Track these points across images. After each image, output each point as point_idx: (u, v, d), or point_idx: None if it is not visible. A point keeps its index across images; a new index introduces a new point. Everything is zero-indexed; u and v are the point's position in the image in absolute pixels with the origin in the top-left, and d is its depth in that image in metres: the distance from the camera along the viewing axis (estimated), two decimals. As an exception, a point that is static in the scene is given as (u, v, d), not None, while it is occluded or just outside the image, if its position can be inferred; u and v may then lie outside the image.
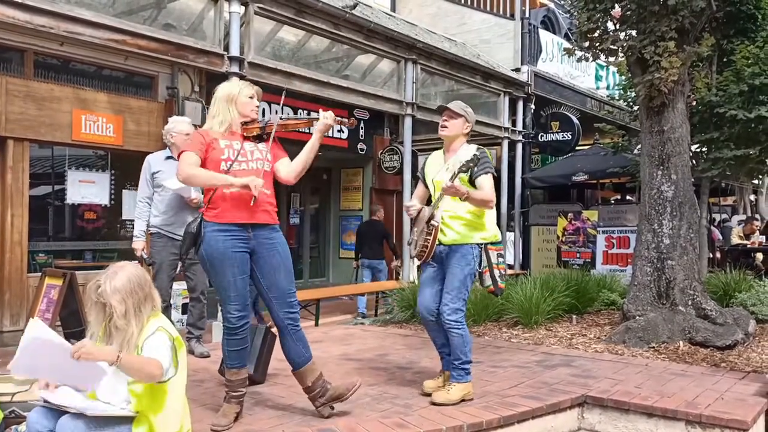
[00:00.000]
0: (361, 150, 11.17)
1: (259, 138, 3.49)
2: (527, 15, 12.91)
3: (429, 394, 3.92)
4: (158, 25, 7.12)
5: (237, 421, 3.42)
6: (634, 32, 6.28)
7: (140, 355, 2.63)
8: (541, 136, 12.91)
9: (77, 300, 5.65)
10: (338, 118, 3.59)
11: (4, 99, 6.26)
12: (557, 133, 12.74)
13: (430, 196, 4.10)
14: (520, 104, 12.66)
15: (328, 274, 12.19)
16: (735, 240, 12.49)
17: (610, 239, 10.21)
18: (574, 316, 6.93)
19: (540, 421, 3.81)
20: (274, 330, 3.78)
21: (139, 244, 4.96)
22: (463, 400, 3.82)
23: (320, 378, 3.51)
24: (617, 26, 6.47)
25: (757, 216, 14.63)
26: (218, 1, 7.27)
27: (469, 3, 14.11)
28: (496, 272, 3.87)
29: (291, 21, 8.15)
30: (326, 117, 3.45)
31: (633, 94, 9.30)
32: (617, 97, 11.62)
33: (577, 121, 12.70)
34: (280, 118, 3.53)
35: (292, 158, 3.55)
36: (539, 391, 4.12)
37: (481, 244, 3.86)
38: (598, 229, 10.48)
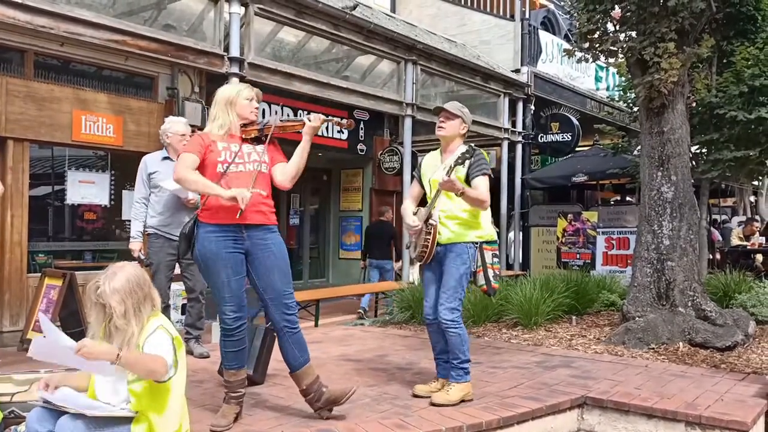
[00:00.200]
0: (361, 151, 11.17)
1: (257, 140, 3.50)
2: (527, 16, 12.89)
3: (419, 397, 3.93)
4: (158, 25, 7.12)
5: (236, 421, 3.42)
6: (633, 33, 6.28)
7: (144, 352, 2.63)
8: (541, 137, 12.90)
9: (77, 300, 5.65)
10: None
11: (5, 99, 6.26)
12: (557, 134, 12.72)
13: (424, 195, 4.12)
14: (520, 105, 12.65)
15: (327, 275, 12.18)
16: (735, 241, 12.48)
17: (609, 240, 10.22)
18: (573, 317, 6.93)
19: (539, 422, 3.81)
20: (275, 330, 3.78)
21: (136, 245, 4.95)
22: (462, 401, 3.82)
23: (316, 381, 3.50)
24: (617, 27, 6.47)
25: (757, 217, 14.60)
26: (218, 1, 7.27)
27: (469, 4, 14.11)
28: (491, 272, 3.88)
29: (291, 22, 8.14)
30: (313, 120, 3.47)
31: (633, 95, 9.30)
32: (617, 98, 11.63)
33: (577, 122, 12.69)
34: (279, 120, 3.54)
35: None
36: (539, 392, 4.13)
37: (477, 242, 3.88)
38: (597, 230, 10.48)
